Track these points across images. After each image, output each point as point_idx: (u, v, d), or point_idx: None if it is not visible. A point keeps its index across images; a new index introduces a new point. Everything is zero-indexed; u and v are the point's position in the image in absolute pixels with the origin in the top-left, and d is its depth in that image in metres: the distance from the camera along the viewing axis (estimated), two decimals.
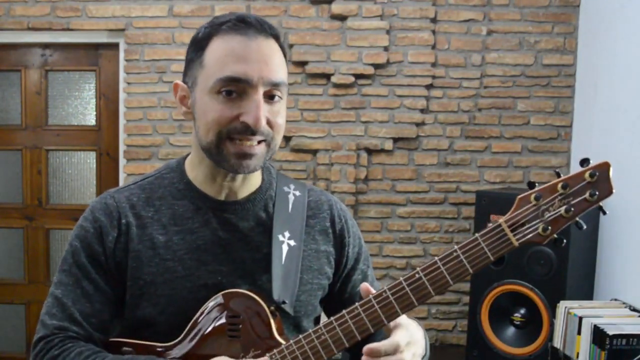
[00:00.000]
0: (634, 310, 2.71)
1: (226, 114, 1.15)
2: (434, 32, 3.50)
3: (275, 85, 1.16)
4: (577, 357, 2.60)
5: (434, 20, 3.49)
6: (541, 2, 3.49)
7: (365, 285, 1.14)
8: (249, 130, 1.14)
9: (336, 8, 3.44)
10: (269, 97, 1.17)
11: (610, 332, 2.44)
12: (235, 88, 1.14)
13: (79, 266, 1.23)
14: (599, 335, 2.49)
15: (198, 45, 1.19)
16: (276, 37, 1.20)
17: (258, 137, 1.16)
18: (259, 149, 1.17)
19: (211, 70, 1.16)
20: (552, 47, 3.50)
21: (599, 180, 1.04)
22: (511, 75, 3.52)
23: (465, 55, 3.51)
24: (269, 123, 1.17)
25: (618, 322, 2.53)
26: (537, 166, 3.54)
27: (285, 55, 1.22)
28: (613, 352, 2.43)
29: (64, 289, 1.22)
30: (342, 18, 3.46)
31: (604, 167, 1.04)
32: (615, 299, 2.89)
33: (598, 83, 3.26)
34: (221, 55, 1.15)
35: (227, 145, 1.16)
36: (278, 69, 1.18)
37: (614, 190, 1.03)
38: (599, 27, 3.28)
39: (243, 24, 1.16)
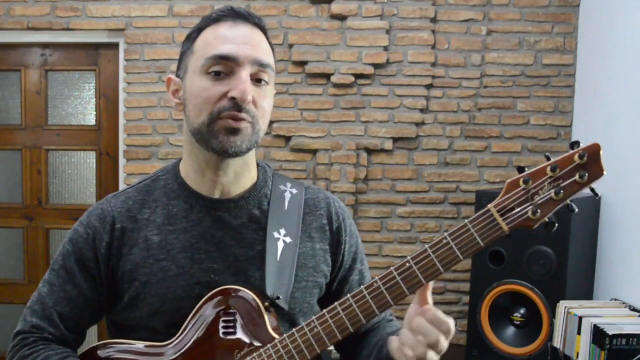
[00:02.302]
0: (634, 310, 2.70)
1: (214, 92, 1.17)
2: (434, 32, 3.49)
3: (262, 66, 1.19)
4: (577, 357, 2.59)
5: (434, 20, 3.49)
6: (541, 2, 3.48)
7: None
8: (237, 107, 1.16)
9: (336, 8, 3.44)
10: (256, 80, 1.20)
11: (610, 332, 2.43)
12: (223, 68, 1.17)
13: (67, 270, 1.26)
14: (599, 335, 2.48)
15: (190, 38, 1.25)
16: (263, 30, 1.24)
17: (244, 115, 1.17)
18: (245, 126, 1.18)
19: (200, 53, 1.20)
20: (552, 47, 3.50)
21: (589, 161, 1.02)
22: (511, 75, 3.51)
23: (465, 55, 3.51)
24: (255, 104, 1.18)
25: (618, 322, 2.52)
26: (537, 166, 3.52)
27: (272, 49, 1.25)
28: (613, 352, 2.42)
29: (50, 289, 1.26)
30: (342, 18, 3.46)
31: (594, 148, 1.02)
32: (615, 299, 2.88)
33: (598, 83, 3.25)
34: (210, 39, 1.20)
35: (218, 122, 1.17)
36: (265, 53, 1.21)
37: (604, 172, 1.01)
38: (599, 27, 3.27)
39: (233, 12, 1.21)
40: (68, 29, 3.54)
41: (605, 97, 3.18)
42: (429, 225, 3.55)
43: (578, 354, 2.59)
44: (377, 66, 3.47)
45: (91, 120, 3.76)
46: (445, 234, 1.07)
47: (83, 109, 3.77)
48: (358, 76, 3.47)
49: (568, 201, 1.03)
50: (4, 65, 3.70)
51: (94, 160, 3.76)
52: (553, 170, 1.03)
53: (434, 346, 1.07)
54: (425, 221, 3.55)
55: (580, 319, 2.60)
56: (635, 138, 2.83)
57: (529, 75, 3.51)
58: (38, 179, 3.74)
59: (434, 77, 3.50)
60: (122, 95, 3.61)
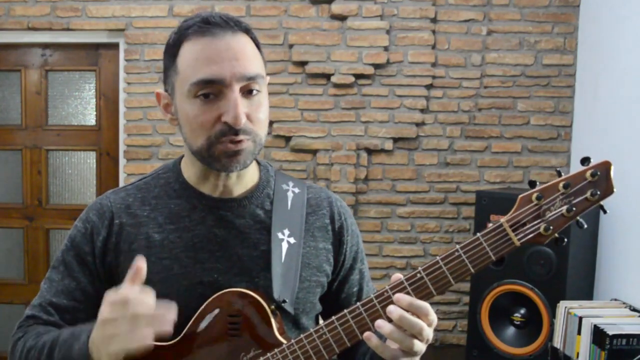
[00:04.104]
0: (634, 310, 2.72)
1: (207, 117, 1.15)
2: (434, 32, 3.50)
3: (250, 78, 1.16)
4: (577, 357, 2.60)
5: (434, 20, 3.49)
6: (541, 2, 3.49)
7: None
8: (232, 130, 1.14)
9: (336, 8, 3.44)
10: (247, 91, 1.17)
11: (610, 332, 2.44)
12: (210, 90, 1.14)
13: (65, 264, 1.26)
14: (599, 335, 2.49)
15: (170, 52, 1.20)
16: (245, 30, 1.19)
17: (242, 136, 1.15)
18: (246, 145, 1.17)
19: (184, 75, 1.16)
20: (552, 47, 3.50)
21: (600, 179, 1.04)
22: (511, 75, 3.52)
23: (465, 55, 3.51)
24: (249, 119, 1.16)
25: (618, 322, 2.53)
26: (537, 166, 3.54)
27: (258, 47, 1.21)
28: (613, 352, 2.43)
29: (49, 285, 1.27)
30: (342, 18, 3.46)
31: (605, 166, 1.04)
32: (615, 299, 2.89)
33: (598, 83, 3.26)
34: (191, 60, 1.15)
35: (218, 147, 1.16)
36: (250, 63, 1.17)
37: (614, 190, 1.03)
38: (599, 27, 3.28)
39: (208, 25, 1.16)
40: (68, 29, 3.53)
41: (605, 97, 3.18)
42: (429, 225, 3.56)
43: (578, 354, 2.60)
44: (377, 66, 3.47)
45: (91, 120, 3.76)
46: (457, 246, 1.08)
47: (83, 109, 3.77)
48: (358, 76, 3.47)
49: (578, 217, 1.05)
50: (4, 65, 3.69)
51: (94, 160, 3.76)
52: (565, 187, 1.04)
53: (416, 334, 1.07)
54: (425, 221, 3.56)
55: (580, 319, 2.61)
56: (635, 138, 2.84)
57: (529, 75, 3.51)
58: (38, 179, 3.74)
59: (434, 77, 3.51)
60: (122, 95, 3.61)
